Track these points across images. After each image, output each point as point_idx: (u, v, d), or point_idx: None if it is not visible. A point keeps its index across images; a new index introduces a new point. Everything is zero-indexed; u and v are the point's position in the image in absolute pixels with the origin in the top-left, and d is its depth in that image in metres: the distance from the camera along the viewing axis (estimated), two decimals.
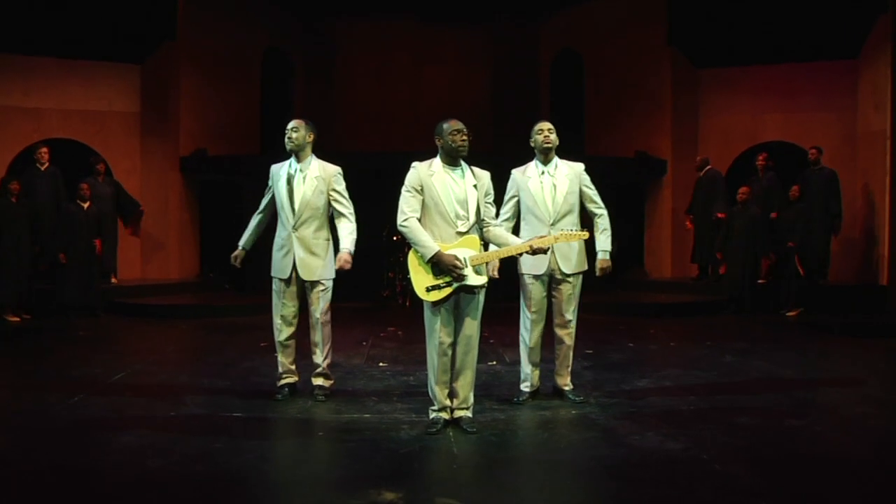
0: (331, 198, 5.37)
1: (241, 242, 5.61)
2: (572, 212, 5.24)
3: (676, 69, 12.11)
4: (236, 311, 9.96)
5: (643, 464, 4.01)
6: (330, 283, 5.38)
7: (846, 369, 6.64)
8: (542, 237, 4.72)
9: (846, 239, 10.79)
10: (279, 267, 5.37)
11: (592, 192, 5.33)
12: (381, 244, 10.67)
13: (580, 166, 5.35)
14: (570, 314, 5.26)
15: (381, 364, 6.68)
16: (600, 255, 5.31)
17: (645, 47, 12.35)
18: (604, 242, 5.31)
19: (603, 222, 5.33)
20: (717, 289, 10.58)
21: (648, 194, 12.53)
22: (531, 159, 5.38)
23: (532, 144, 5.31)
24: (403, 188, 4.56)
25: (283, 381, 5.46)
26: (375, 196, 10.95)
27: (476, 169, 4.67)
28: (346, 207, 5.40)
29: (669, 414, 4.99)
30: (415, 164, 4.61)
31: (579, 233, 4.84)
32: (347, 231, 5.34)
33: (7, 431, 4.69)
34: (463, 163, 4.63)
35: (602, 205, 5.34)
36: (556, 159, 5.29)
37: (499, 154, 11.34)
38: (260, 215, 5.54)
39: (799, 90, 11.52)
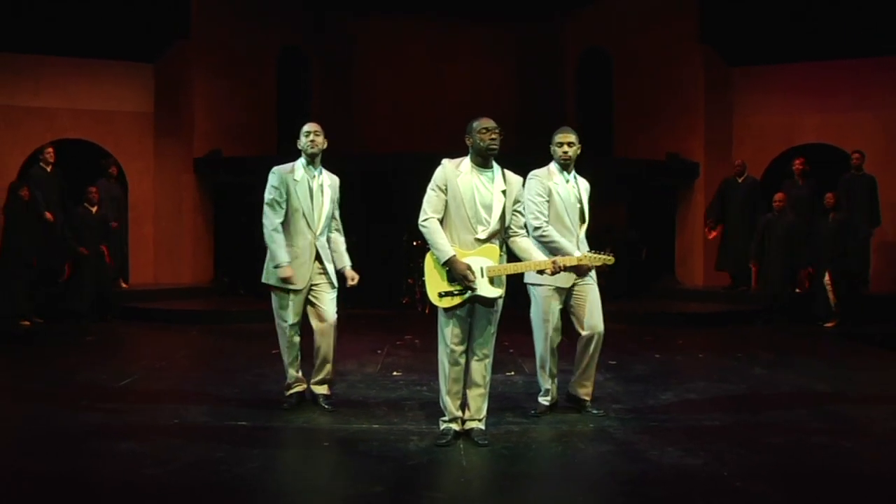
0: (333, 208, 5.47)
1: (287, 257, 5.22)
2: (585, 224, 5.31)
3: (709, 67, 12.03)
4: (250, 316, 10.00)
5: (659, 480, 3.99)
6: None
7: (883, 383, 6.53)
8: (566, 257, 4.72)
9: (888, 246, 10.65)
10: (295, 277, 5.26)
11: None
12: (401, 249, 10.71)
13: (588, 184, 5.39)
14: (600, 324, 5.18)
15: (395, 373, 6.70)
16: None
17: (676, 44, 12.28)
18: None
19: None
20: (751, 298, 10.48)
21: (680, 199, 12.45)
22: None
23: (552, 153, 5.27)
24: (429, 186, 4.55)
25: (292, 390, 5.49)
26: (394, 199, 11.05)
27: (509, 173, 4.61)
28: (339, 220, 5.58)
29: (692, 428, 4.95)
30: (444, 161, 4.58)
31: (605, 256, 4.76)
32: (344, 247, 5.58)
33: (7, 436, 4.78)
34: (496, 165, 4.58)
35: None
36: (573, 170, 5.30)
37: (522, 156, 11.31)
38: (282, 224, 5.28)
39: (837, 89, 11.40)
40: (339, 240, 5.56)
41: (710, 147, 12.04)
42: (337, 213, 5.51)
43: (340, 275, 5.48)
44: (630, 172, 12.15)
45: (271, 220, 5.26)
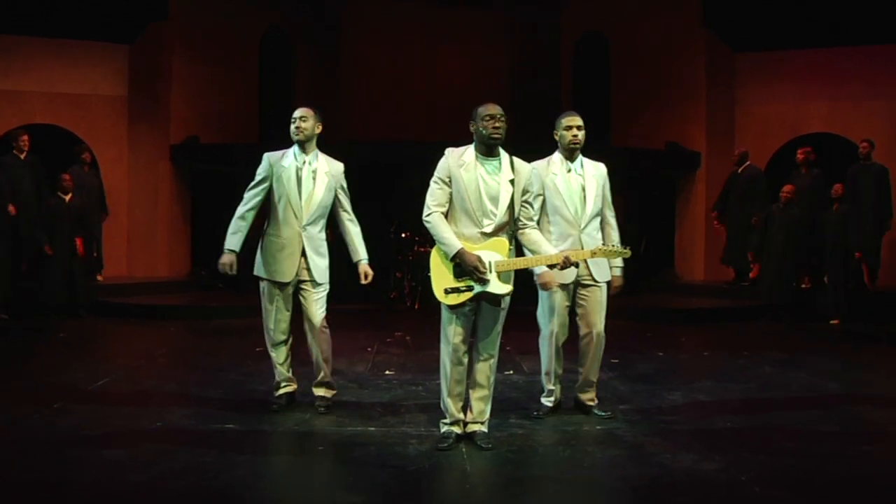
0: (338, 196, 5.37)
1: (232, 245, 5.25)
2: (597, 216, 5.20)
3: (712, 53, 12.03)
4: (230, 312, 9.95)
5: (674, 485, 3.94)
6: (328, 286, 5.35)
7: (894, 383, 6.53)
8: (577, 251, 4.66)
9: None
10: (280, 269, 5.22)
11: (609, 198, 5.31)
12: (389, 242, 10.63)
13: (604, 168, 5.28)
14: (600, 323, 5.17)
15: (387, 372, 6.64)
16: (616, 273, 5.24)
17: (677, 29, 12.27)
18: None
19: (616, 234, 5.29)
20: (755, 294, 10.48)
21: (680, 190, 12.44)
22: (550, 150, 5.30)
23: (556, 138, 5.22)
24: (432, 178, 4.48)
25: (281, 391, 5.41)
26: (384, 190, 10.98)
27: (518, 161, 4.54)
28: (351, 209, 5.45)
29: (703, 431, 4.91)
30: (448, 150, 4.51)
31: (620, 249, 4.70)
32: (360, 238, 5.45)
33: None
34: (503, 153, 4.51)
35: (614, 212, 5.37)
36: (580, 157, 5.22)
37: (517, 144, 11.26)
38: (252, 212, 5.29)
39: (846, 76, 11.43)
40: (353, 230, 5.44)
41: (711, 136, 12.04)
42: (346, 203, 5.41)
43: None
44: (628, 162, 12.11)
45: (242, 205, 5.30)
